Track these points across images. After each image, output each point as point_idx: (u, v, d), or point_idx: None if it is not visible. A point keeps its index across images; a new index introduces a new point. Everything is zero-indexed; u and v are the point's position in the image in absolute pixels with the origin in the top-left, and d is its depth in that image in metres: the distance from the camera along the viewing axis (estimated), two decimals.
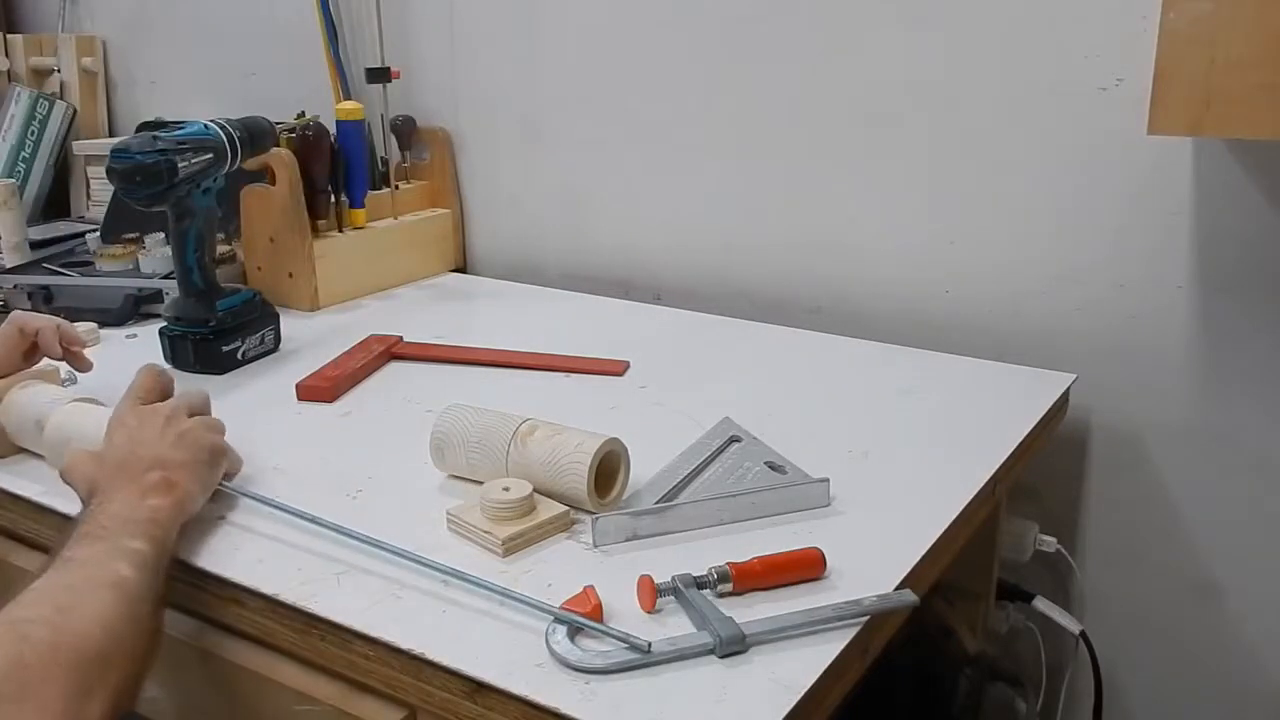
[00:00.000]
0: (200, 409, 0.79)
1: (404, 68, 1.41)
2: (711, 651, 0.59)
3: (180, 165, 0.97)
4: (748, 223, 1.24)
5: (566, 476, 0.72)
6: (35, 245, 1.44)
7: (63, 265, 1.33)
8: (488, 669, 0.58)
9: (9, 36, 1.78)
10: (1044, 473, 1.10)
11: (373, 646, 0.62)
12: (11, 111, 1.70)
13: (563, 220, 1.39)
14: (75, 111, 1.76)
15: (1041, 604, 1.08)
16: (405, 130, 1.42)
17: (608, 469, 0.75)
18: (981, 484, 0.80)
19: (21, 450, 0.85)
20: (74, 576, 0.61)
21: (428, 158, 1.44)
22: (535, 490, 0.73)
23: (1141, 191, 1.00)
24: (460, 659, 0.59)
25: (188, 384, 1.01)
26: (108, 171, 0.96)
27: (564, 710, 0.55)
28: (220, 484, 0.76)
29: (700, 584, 0.64)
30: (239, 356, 1.06)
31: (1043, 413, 0.93)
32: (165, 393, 0.80)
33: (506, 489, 0.71)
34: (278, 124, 1.18)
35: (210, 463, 0.74)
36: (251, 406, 0.97)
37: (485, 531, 0.70)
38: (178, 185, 0.98)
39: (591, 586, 0.63)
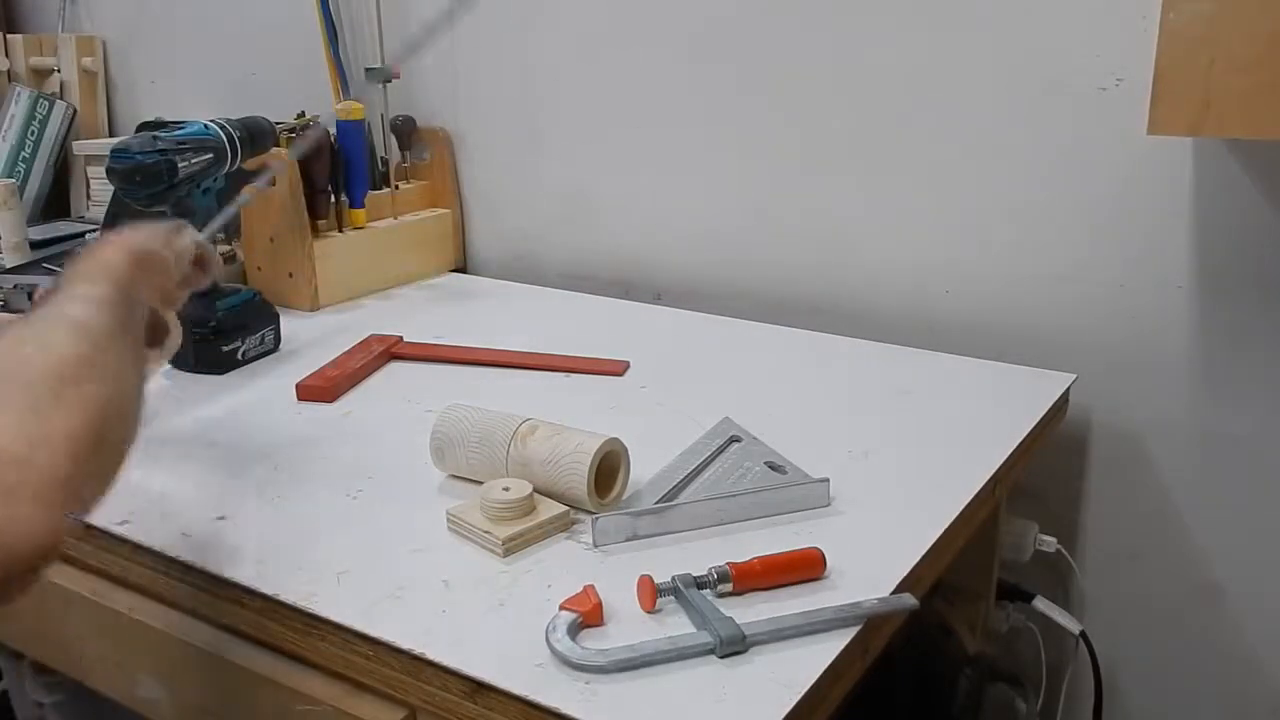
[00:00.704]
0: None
1: (404, 68, 1.41)
2: (712, 651, 0.59)
3: (180, 165, 0.97)
4: (748, 223, 1.24)
5: (567, 476, 0.72)
6: (35, 245, 1.44)
7: (63, 265, 1.33)
8: (488, 669, 0.58)
9: (9, 36, 1.78)
10: (1044, 473, 1.10)
11: (373, 647, 0.62)
12: (11, 111, 1.70)
13: (563, 220, 1.39)
14: (75, 111, 1.76)
15: (1041, 604, 1.08)
16: (405, 130, 1.42)
17: (608, 469, 0.75)
18: (981, 484, 0.80)
19: None
20: (23, 327, 0.56)
21: (428, 158, 1.44)
22: (535, 490, 0.73)
23: (1141, 191, 1.00)
24: (460, 659, 0.59)
25: (188, 384, 1.02)
26: (108, 171, 0.97)
27: (564, 710, 0.55)
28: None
29: (700, 584, 0.64)
30: (239, 356, 1.06)
31: (1043, 413, 0.93)
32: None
33: (506, 489, 0.71)
34: (278, 124, 1.18)
35: (174, 232, 0.72)
36: (251, 406, 0.97)
37: (485, 531, 0.70)
38: (178, 185, 0.98)
39: (591, 586, 0.63)
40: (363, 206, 1.32)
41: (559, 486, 0.73)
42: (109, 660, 0.78)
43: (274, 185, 1.07)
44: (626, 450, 0.76)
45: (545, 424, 0.77)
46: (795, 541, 0.69)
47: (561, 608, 0.61)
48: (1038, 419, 0.92)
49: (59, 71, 1.78)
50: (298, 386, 0.98)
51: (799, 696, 0.56)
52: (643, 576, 0.63)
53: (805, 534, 0.72)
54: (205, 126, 1.03)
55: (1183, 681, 1.11)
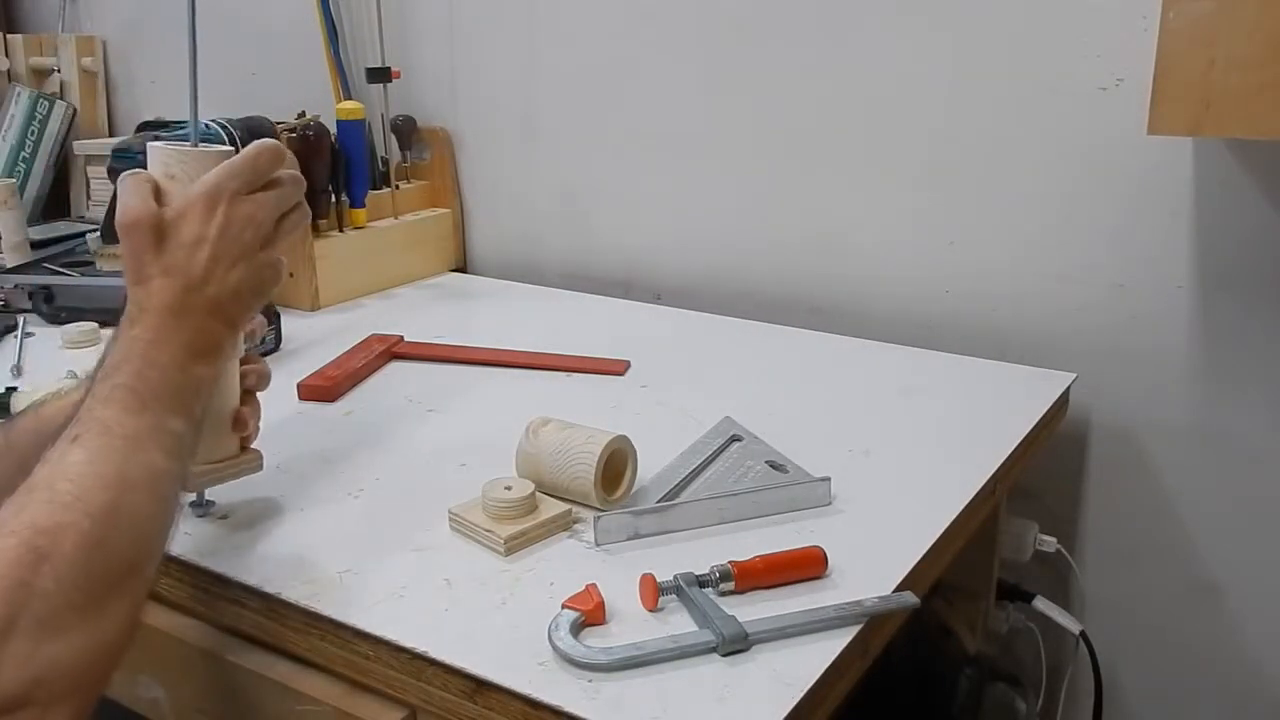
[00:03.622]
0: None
1: (404, 68, 1.41)
2: (714, 650, 0.59)
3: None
4: (748, 222, 1.25)
5: (575, 466, 0.72)
6: (35, 245, 1.44)
7: (63, 265, 1.33)
8: (490, 667, 0.58)
9: (9, 36, 1.78)
10: (1044, 473, 1.10)
11: (374, 646, 0.62)
12: (11, 111, 1.70)
13: (563, 220, 1.39)
14: (75, 111, 1.76)
15: (1041, 604, 1.08)
16: (405, 130, 1.42)
17: (615, 468, 0.75)
18: (981, 484, 0.80)
19: None
20: (109, 465, 0.55)
21: (428, 158, 1.45)
22: (541, 485, 0.73)
23: (1141, 191, 1.00)
24: (462, 658, 0.59)
25: None
26: (109, 171, 0.97)
27: (567, 709, 0.55)
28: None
29: (702, 582, 0.64)
30: None
31: (1043, 413, 0.93)
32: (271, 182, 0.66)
33: (508, 488, 0.71)
34: (278, 124, 1.18)
35: (263, 300, 0.67)
36: None
37: (487, 530, 0.70)
38: None
39: (594, 584, 0.63)
40: (363, 206, 1.32)
41: (566, 477, 0.73)
42: None
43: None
44: (635, 451, 0.76)
45: (557, 420, 0.77)
46: (797, 540, 0.69)
47: (564, 606, 0.61)
48: (1037, 419, 0.92)
49: (59, 71, 1.78)
50: (299, 386, 0.98)
51: (801, 695, 0.56)
52: (645, 575, 0.63)
53: (806, 533, 0.72)
54: (205, 126, 1.03)
55: (1183, 681, 1.11)
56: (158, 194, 0.63)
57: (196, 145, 0.68)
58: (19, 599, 0.48)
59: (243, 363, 0.73)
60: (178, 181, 0.65)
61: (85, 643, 0.50)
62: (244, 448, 0.74)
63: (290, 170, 0.67)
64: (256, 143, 0.66)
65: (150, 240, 0.61)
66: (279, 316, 1.12)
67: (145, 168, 0.96)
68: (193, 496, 0.74)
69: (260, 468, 0.75)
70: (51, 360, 1.08)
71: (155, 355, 0.60)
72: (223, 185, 0.63)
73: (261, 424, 0.75)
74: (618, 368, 1.04)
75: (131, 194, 0.62)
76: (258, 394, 0.75)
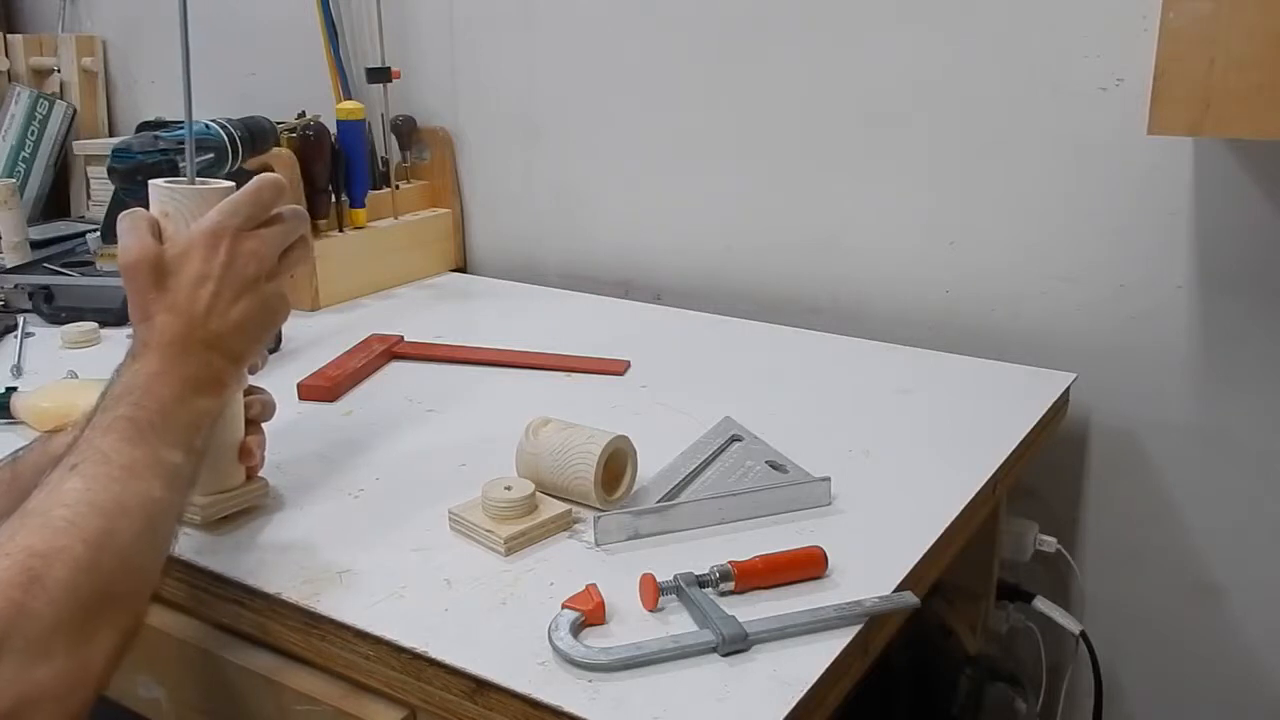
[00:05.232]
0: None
1: (404, 68, 1.41)
2: (714, 650, 0.59)
3: (181, 165, 0.97)
4: (748, 223, 1.24)
5: (575, 466, 0.72)
6: (35, 245, 1.44)
7: (63, 265, 1.33)
8: (490, 667, 0.58)
9: (9, 36, 1.78)
10: (1044, 473, 1.10)
11: (374, 646, 0.62)
12: (11, 111, 1.70)
13: (563, 220, 1.39)
14: (75, 111, 1.76)
15: (1041, 604, 1.08)
16: (405, 130, 1.42)
17: (615, 468, 0.75)
18: (981, 484, 0.80)
19: None
20: (105, 493, 0.55)
21: (428, 158, 1.45)
22: (541, 485, 0.73)
23: (1141, 191, 1.00)
24: (462, 658, 0.59)
25: None
26: (109, 171, 0.97)
27: (566, 709, 0.55)
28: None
29: (702, 583, 0.64)
30: None
31: (1043, 412, 0.93)
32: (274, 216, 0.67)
33: (508, 488, 0.71)
34: (278, 124, 1.19)
35: (268, 334, 0.69)
36: None
37: (487, 530, 0.70)
38: None
39: (594, 584, 0.63)
40: (363, 206, 1.32)
41: (566, 477, 0.73)
42: None
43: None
44: (635, 451, 0.76)
45: (557, 420, 0.77)
46: (797, 540, 0.69)
47: (564, 606, 0.61)
48: (1038, 419, 0.92)
49: (59, 71, 1.78)
50: (299, 386, 0.98)
51: (801, 694, 0.56)
52: (645, 575, 0.63)
53: (806, 533, 0.72)
54: (206, 126, 1.03)
55: (1183, 681, 1.11)
56: (157, 231, 0.65)
57: (194, 178, 0.68)
58: (11, 619, 0.48)
59: (247, 393, 0.74)
60: (172, 220, 0.66)
61: (71, 669, 0.50)
62: (250, 477, 0.76)
63: (293, 205, 0.68)
64: (258, 178, 0.66)
65: (152, 279, 0.63)
66: None
67: (145, 166, 0.96)
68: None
69: (266, 496, 0.77)
70: (51, 360, 1.08)
71: (157, 388, 0.61)
72: (225, 223, 0.64)
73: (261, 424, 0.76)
74: (618, 368, 1.04)
75: (130, 234, 0.64)
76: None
